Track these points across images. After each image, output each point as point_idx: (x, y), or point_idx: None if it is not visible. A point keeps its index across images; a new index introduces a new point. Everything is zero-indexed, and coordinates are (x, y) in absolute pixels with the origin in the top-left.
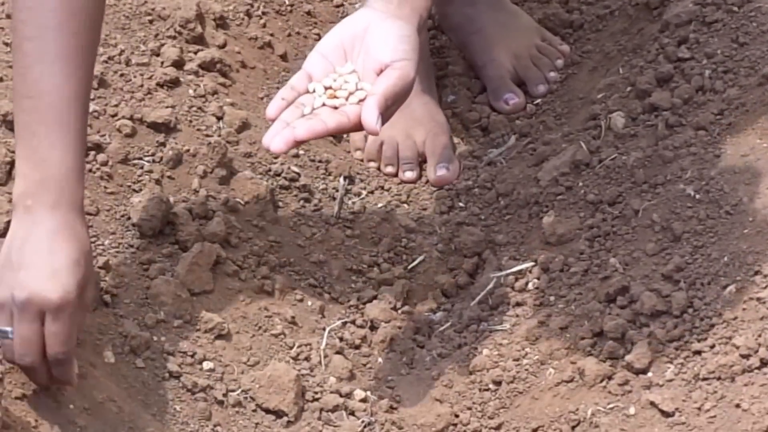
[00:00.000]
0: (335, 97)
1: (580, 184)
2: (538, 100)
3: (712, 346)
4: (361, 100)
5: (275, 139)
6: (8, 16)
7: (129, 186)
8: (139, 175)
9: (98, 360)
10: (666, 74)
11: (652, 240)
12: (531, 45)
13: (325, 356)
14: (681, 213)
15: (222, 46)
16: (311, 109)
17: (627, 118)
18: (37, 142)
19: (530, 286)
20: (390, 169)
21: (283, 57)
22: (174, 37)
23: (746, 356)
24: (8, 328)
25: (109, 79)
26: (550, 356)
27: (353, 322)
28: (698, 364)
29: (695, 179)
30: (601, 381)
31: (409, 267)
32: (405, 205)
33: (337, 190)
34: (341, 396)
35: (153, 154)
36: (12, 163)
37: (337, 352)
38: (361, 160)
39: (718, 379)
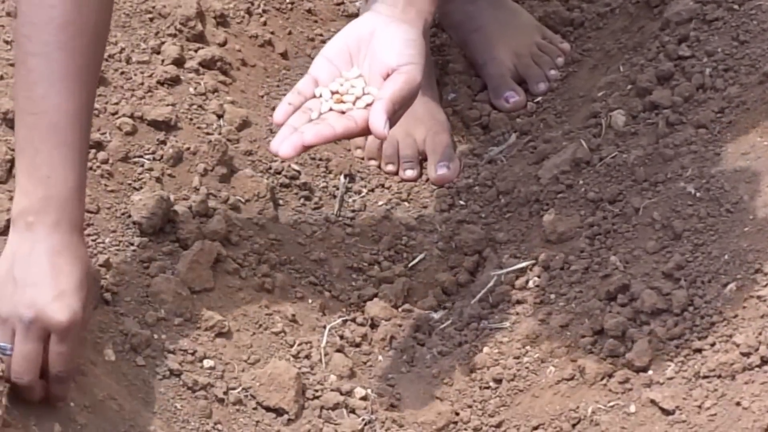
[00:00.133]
0: (342, 101)
1: (581, 182)
2: (539, 98)
3: (713, 344)
4: (368, 105)
5: (283, 145)
6: (8, 14)
7: (129, 184)
8: (140, 173)
9: (99, 358)
10: (666, 72)
11: (652, 238)
12: (532, 43)
13: (326, 354)
14: (681, 211)
15: (222, 44)
16: (318, 114)
17: (627, 116)
18: (40, 159)
19: (531, 284)
20: (390, 168)
21: (284, 55)
22: (174, 35)
23: (747, 354)
24: (7, 345)
25: (110, 77)
26: (551, 354)
27: (354, 320)
28: (699, 362)
29: (696, 177)
30: (602, 379)
31: (410, 265)
32: (405, 203)
33: (338, 189)
34: (342, 394)
35: (153, 152)
36: (13, 161)
37: (338, 350)
38: (362, 159)
39: (719, 377)
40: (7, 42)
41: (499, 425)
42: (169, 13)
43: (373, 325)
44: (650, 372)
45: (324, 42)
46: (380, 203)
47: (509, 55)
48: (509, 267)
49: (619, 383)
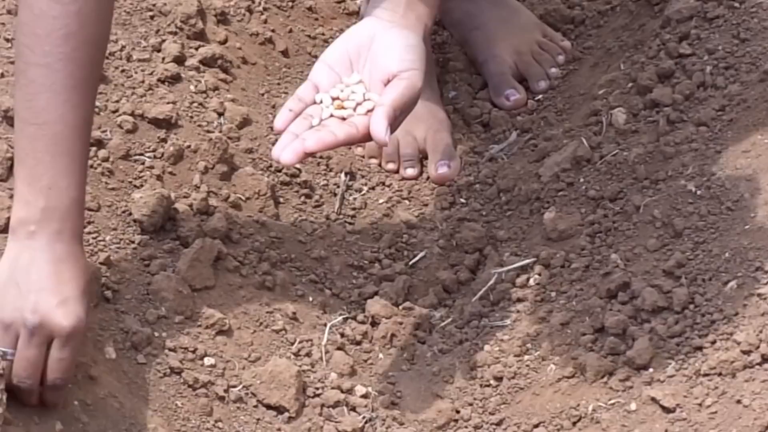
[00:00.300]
0: (343, 107)
1: (581, 180)
2: (540, 96)
3: (713, 342)
4: (369, 111)
5: (285, 151)
6: (9, 12)
7: (130, 182)
8: (140, 171)
9: (99, 356)
10: (667, 70)
11: (653, 236)
12: (532, 41)
13: (326, 352)
14: (682, 209)
15: (223, 42)
16: (319, 120)
17: (628, 114)
18: (42, 170)
19: (531, 282)
20: (391, 166)
21: (285, 53)
22: (175, 33)
23: (747, 352)
24: (9, 350)
25: (110, 74)
26: (551, 352)
27: (354, 318)
28: (699, 360)
29: (696, 175)
30: (602, 377)
31: (410, 263)
32: (406, 202)
33: (338, 187)
34: (342, 392)
35: (154, 150)
36: (13, 159)
37: (338, 348)
38: (362, 157)
39: (719, 375)
40: (7, 40)
41: (499, 423)
42: (169, 11)
43: (374, 323)
44: (651, 370)
45: (325, 40)
46: (381, 201)
47: (510, 53)
48: (510, 265)
49: (620, 381)
